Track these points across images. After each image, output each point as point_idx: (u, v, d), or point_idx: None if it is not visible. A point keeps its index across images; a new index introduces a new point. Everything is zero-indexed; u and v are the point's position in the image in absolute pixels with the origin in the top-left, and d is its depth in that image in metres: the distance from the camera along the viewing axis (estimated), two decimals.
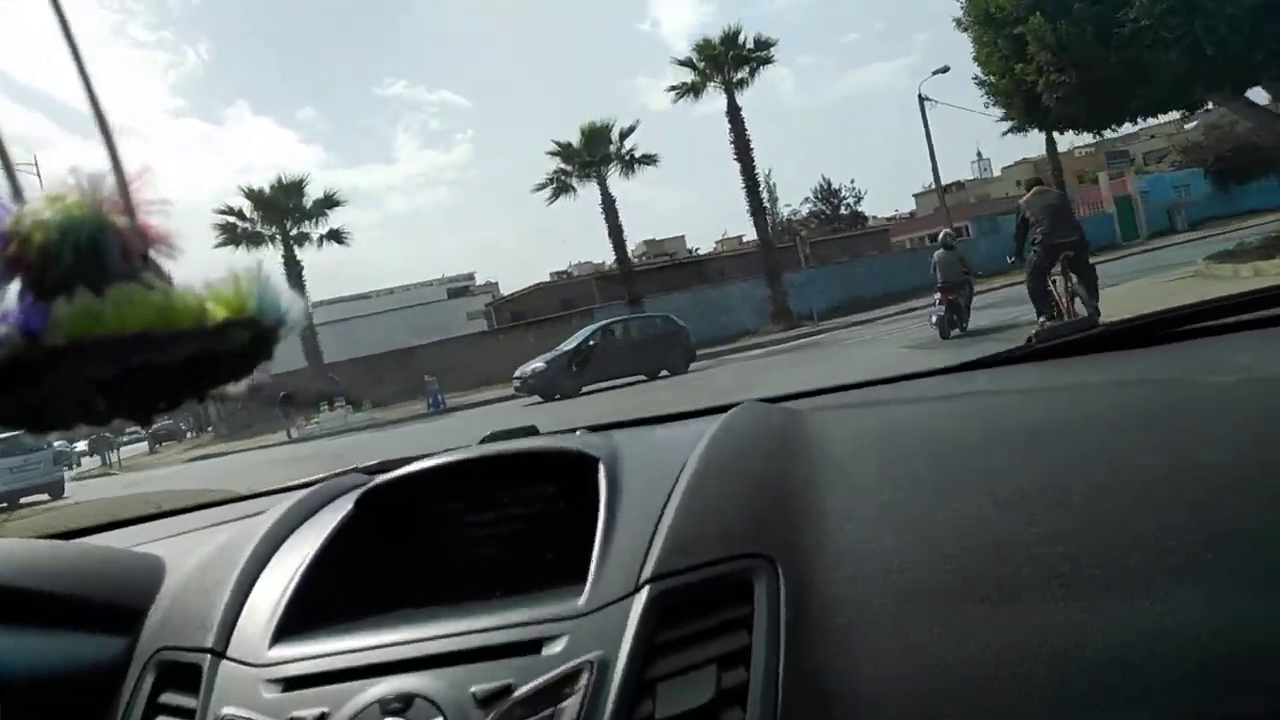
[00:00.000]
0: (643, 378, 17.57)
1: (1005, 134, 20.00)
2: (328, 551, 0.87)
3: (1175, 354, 1.04)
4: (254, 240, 25.80)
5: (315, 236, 26.45)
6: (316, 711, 0.69)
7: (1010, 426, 0.83)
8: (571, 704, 0.63)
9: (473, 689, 0.66)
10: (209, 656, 0.78)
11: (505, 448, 0.97)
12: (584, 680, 0.64)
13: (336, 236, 26.83)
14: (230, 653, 0.78)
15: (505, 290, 39.23)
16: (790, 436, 0.87)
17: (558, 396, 16.84)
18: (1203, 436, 0.72)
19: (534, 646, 0.68)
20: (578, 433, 1.11)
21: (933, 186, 33.27)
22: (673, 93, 25.41)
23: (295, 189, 26.05)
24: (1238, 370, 0.89)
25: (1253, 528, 0.61)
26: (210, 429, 30.63)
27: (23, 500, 16.52)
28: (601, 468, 0.85)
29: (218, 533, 1.05)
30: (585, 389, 17.31)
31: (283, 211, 25.82)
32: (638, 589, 0.69)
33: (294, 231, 26.14)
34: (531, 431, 1.16)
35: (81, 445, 31.85)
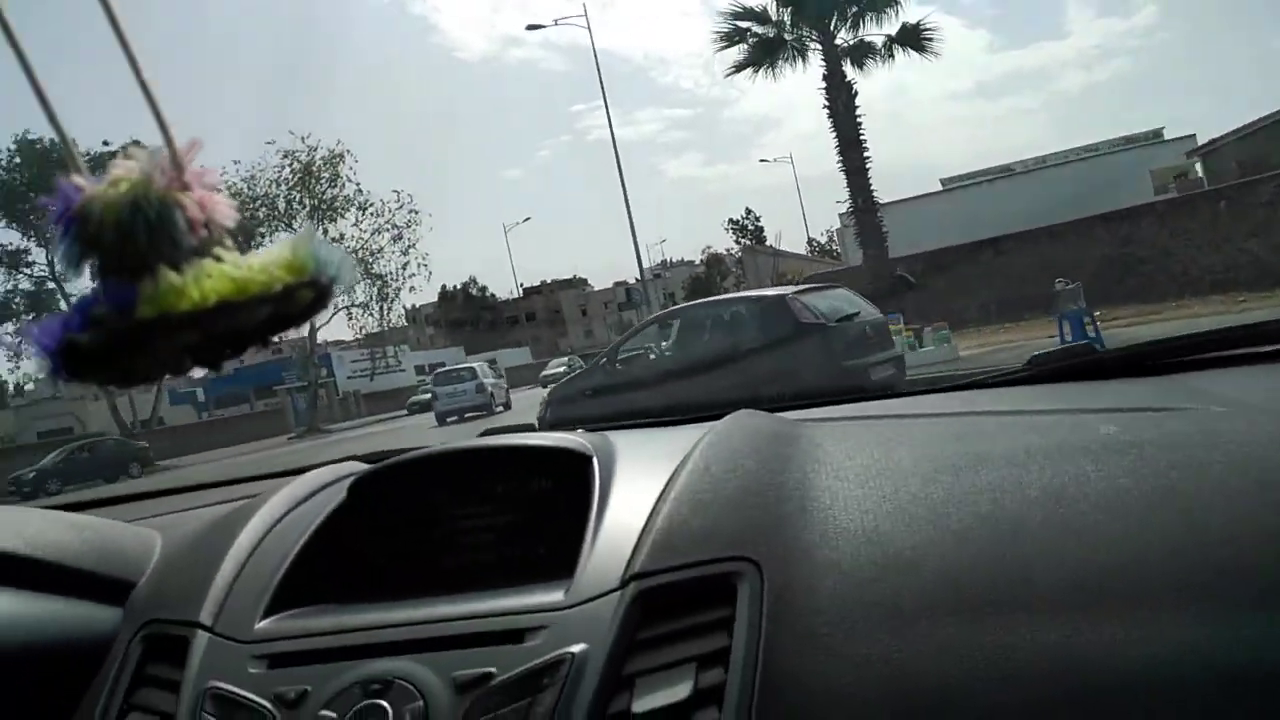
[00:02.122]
0: None
1: None
2: (321, 534, 0.88)
3: (1169, 384, 1.05)
4: (773, 49, 15.97)
5: (880, 43, 15.79)
6: (300, 689, 0.70)
7: (1003, 448, 0.80)
8: (549, 694, 0.64)
9: (454, 674, 0.67)
10: (197, 630, 0.79)
11: (500, 441, 0.96)
12: (563, 671, 0.65)
13: (912, 40, 15.59)
14: (218, 627, 0.79)
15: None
16: (784, 445, 0.86)
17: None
18: (1191, 465, 0.71)
19: (517, 636, 0.69)
20: (577, 432, 1.06)
21: None
22: None
23: None
24: (1228, 402, 0.90)
25: (1235, 555, 0.61)
26: None
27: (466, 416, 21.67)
28: (595, 464, 0.86)
29: (212, 512, 1.06)
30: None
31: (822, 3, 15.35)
32: (623, 585, 0.70)
33: (842, 39, 15.78)
34: (529, 429, 1.24)
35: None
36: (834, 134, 15.41)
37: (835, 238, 34.65)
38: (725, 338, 8.34)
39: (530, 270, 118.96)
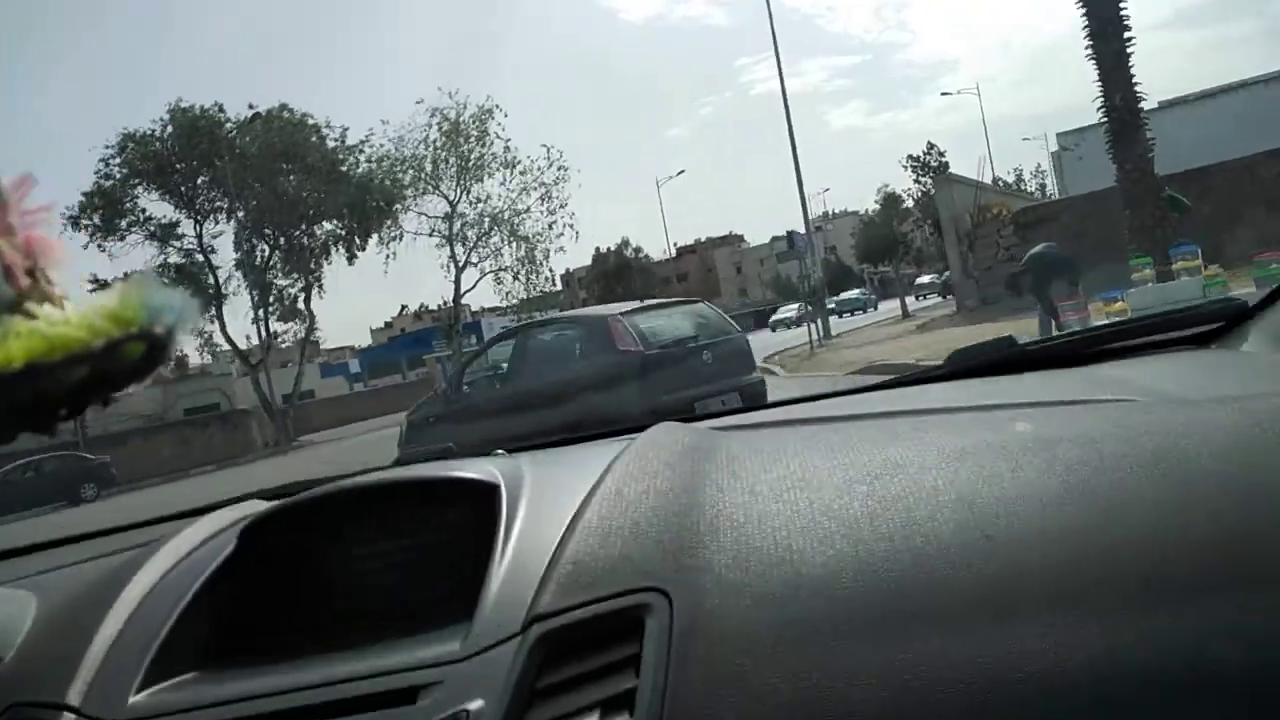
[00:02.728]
0: None
1: None
2: (206, 590, 0.82)
3: (1088, 376, 1.06)
4: None
5: None
6: None
7: (917, 452, 0.78)
8: None
9: None
10: (62, 713, 0.72)
11: (402, 475, 0.92)
12: None
13: None
14: (86, 708, 0.72)
15: None
16: (701, 460, 0.83)
17: None
18: (1105, 462, 0.70)
19: (410, 695, 0.65)
20: (496, 453, 1.04)
21: None
22: None
23: None
24: (1145, 392, 0.91)
25: (1146, 554, 0.60)
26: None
27: None
28: (502, 495, 0.82)
29: (98, 567, 1.01)
30: None
31: None
32: (524, 628, 0.66)
33: None
34: (447, 454, 1.15)
35: None
36: (1083, 11, 11.30)
37: (1053, 162, 29.29)
38: (557, 362, 7.59)
39: (686, 230, 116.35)
